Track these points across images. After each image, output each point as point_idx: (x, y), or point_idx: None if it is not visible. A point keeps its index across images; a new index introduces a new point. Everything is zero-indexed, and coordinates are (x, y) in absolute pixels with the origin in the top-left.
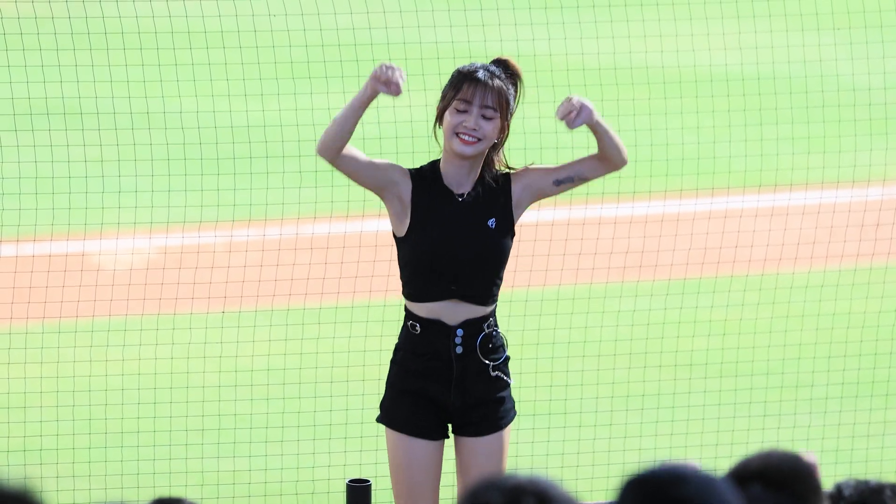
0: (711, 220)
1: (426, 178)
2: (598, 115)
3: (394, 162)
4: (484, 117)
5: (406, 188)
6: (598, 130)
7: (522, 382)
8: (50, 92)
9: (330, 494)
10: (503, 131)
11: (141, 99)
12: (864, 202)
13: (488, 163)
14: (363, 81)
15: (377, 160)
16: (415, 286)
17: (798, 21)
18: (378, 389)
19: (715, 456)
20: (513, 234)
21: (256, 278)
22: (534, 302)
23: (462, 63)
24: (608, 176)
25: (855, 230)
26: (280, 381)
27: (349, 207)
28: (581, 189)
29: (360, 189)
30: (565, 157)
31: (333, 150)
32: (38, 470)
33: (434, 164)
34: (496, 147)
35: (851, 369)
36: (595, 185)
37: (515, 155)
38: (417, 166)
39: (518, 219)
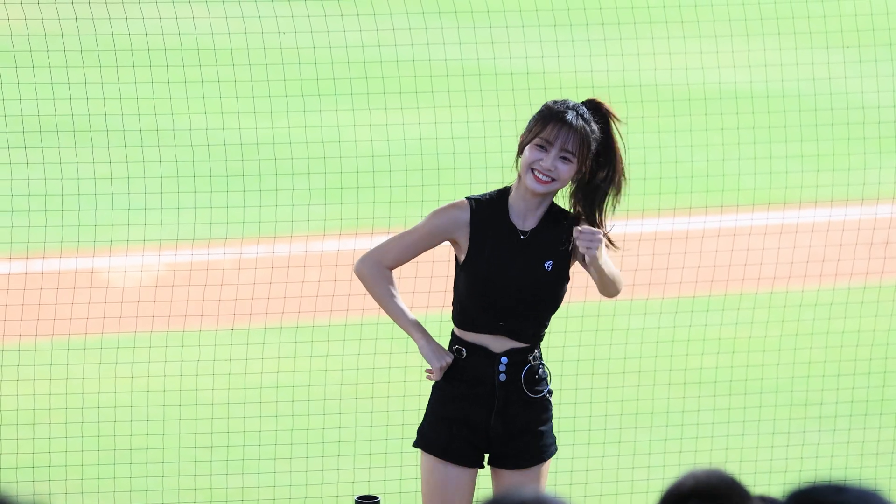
0: (720, 238)
1: (491, 208)
2: (598, 260)
3: (450, 209)
4: (563, 159)
5: (464, 229)
6: (599, 269)
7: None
8: (59, 109)
9: None
10: (578, 174)
11: (150, 116)
12: (874, 220)
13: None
14: (372, 99)
15: (429, 231)
16: (464, 315)
17: (807, 39)
18: (387, 407)
19: None
20: (567, 278)
21: (265, 295)
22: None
23: (470, 80)
24: None
25: (864, 248)
26: (289, 398)
27: (358, 224)
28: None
29: (370, 207)
30: None
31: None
32: (47, 486)
33: (503, 193)
34: (579, 192)
35: (861, 387)
36: None
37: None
38: (485, 193)
39: (572, 264)
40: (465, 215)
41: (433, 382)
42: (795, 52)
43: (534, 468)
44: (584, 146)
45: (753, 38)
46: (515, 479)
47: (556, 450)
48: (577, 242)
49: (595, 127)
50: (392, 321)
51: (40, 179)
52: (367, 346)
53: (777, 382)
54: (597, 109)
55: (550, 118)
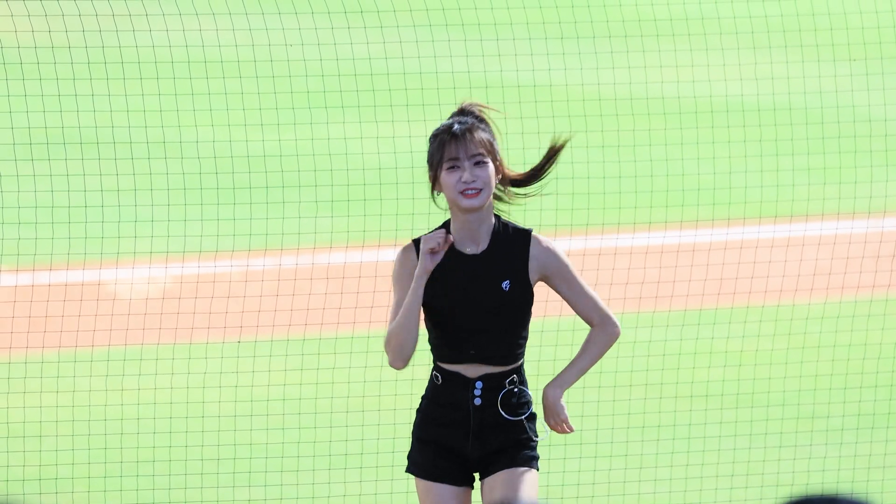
0: (727, 251)
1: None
2: (565, 388)
3: (399, 263)
4: (478, 165)
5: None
6: (580, 375)
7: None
8: (67, 121)
9: None
10: (498, 171)
11: (157, 128)
12: (881, 233)
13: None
14: (379, 111)
15: (403, 292)
16: (437, 350)
17: (814, 52)
18: (394, 419)
19: (730, 486)
20: (531, 295)
21: (272, 308)
22: (549, 332)
23: (477, 93)
24: (623, 206)
25: (871, 261)
26: (296, 411)
27: (365, 237)
28: (596, 219)
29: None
30: (580, 186)
31: (410, 357)
32: (54, 498)
33: (445, 226)
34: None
35: (867, 400)
36: (611, 215)
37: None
38: (428, 233)
39: (536, 280)
40: (415, 256)
41: (416, 407)
42: (802, 65)
43: (516, 469)
44: (485, 143)
45: (760, 51)
46: (498, 479)
47: (537, 467)
48: (550, 425)
49: (482, 124)
50: (411, 318)
51: (47, 191)
52: (374, 359)
53: (784, 395)
54: (471, 114)
55: (443, 140)
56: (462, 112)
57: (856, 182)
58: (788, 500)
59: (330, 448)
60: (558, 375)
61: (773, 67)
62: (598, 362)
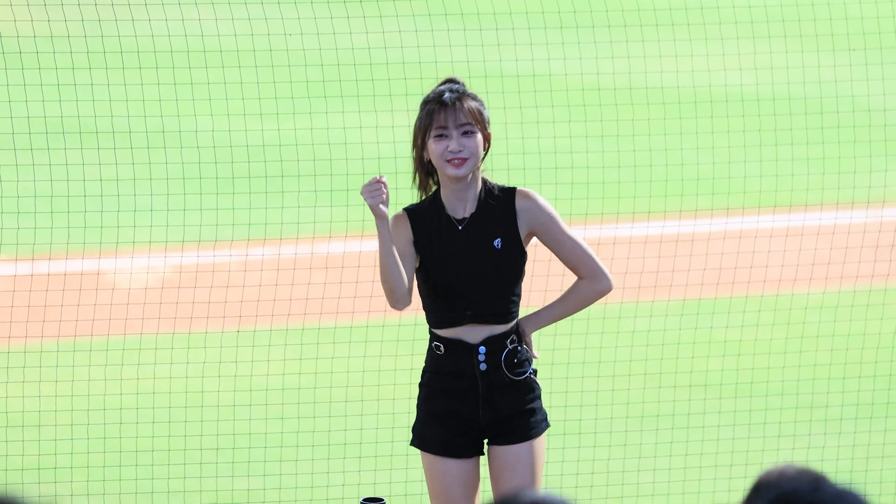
0: (726, 241)
1: (426, 211)
2: (535, 329)
3: (394, 223)
4: (465, 134)
5: (411, 233)
6: (552, 320)
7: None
8: (66, 111)
9: None
10: (487, 142)
11: (156, 118)
12: (880, 223)
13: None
14: (378, 101)
15: (402, 246)
16: (434, 314)
17: (813, 42)
18: (393, 409)
19: (729, 476)
20: (523, 253)
21: (271, 297)
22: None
23: (476, 82)
24: (622, 195)
25: (870, 251)
26: (295, 401)
27: (364, 227)
28: (595, 209)
29: None
30: (580, 176)
31: (405, 297)
32: (53, 488)
33: (435, 195)
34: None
35: (866, 390)
36: (610, 205)
37: (530, 175)
38: (419, 202)
39: (526, 236)
40: (407, 220)
41: (419, 381)
42: (801, 55)
43: (528, 443)
44: (474, 112)
45: (759, 40)
46: (510, 456)
47: (547, 425)
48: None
49: (473, 93)
50: (387, 264)
51: (47, 181)
52: (373, 349)
53: (783, 385)
54: (459, 83)
55: (432, 108)
56: (452, 81)
57: (855, 172)
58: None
59: (329, 437)
60: (532, 314)
61: (773, 57)
62: (598, 350)
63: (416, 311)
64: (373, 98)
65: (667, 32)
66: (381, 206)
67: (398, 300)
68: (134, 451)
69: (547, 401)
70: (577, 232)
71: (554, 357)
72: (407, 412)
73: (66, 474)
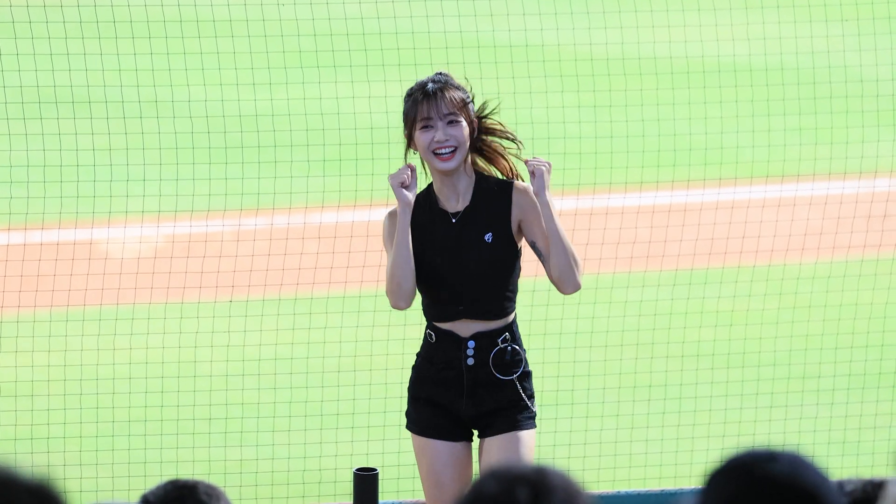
0: (719, 211)
1: (421, 206)
2: (546, 200)
3: (388, 218)
4: (450, 124)
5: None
6: (545, 203)
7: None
8: (59, 80)
9: (337, 483)
10: (472, 129)
11: (149, 87)
12: (872, 193)
13: (492, 160)
14: (371, 71)
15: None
16: (428, 309)
17: (806, 12)
18: (385, 379)
19: (721, 447)
20: (516, 248)
21: (264, 267)
22: (541, 292)
23: (469, 52)
24: (615, 165)
25: (862, 221)
26: (287, 370)
27: (357, 196)
28: (588, 179)
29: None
30: (572, 146)
31: (411, 294)
32: (46, 458)
33: (429, 189)
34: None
35: (858, 361)
36: (603, 175)
37: (524, 145)
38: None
39: (520, 238)
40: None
41: (408, 365)
42: (794, 26)
43: (514, 433)
44: (458, 101)
45: (753, 11)
46: (496, 443)
47: (533, 425)
48: (528, 167)
49: (456, 84)
50: (404, 250)
51: (39, 150)
52: (366, 318)
53: (775, 355)
54: (447, 76)
55: (416, 99)
56: (438, 73)
57: (847, 142)
58: (729, 456)
59: (322, 407)
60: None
61: (766, 28)
62: (591, 321)
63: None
64: (366, 68)
65: (660, 3)
66: (403, 190)
67: (403, 296)
68: (127, 421)
69: (539, 371)
70: (571, 202)
71: (546, 327)
72: (400, 382)
73: (58, 444)
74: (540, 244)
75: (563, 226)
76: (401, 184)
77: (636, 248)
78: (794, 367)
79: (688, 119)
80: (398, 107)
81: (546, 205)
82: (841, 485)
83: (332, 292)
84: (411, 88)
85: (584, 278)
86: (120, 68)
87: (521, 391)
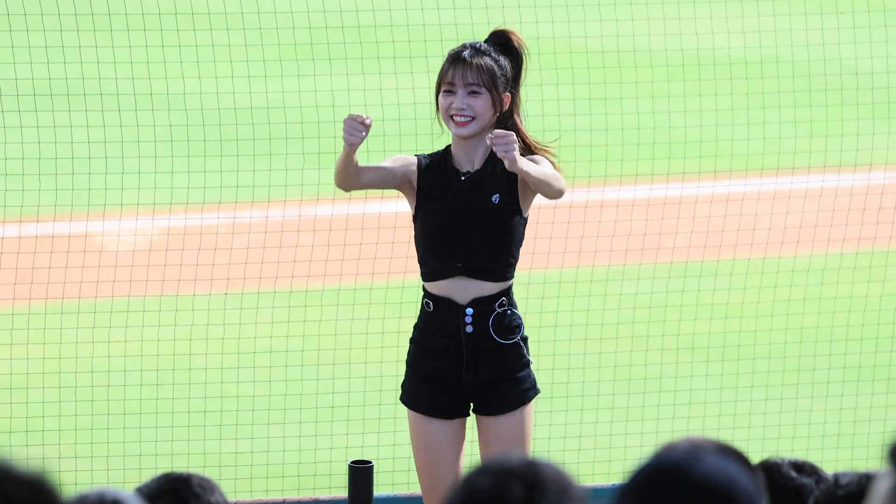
0: (713, 204)
1: (435, 161)
2: (516, 164)
3: (402, 154)
4: (472, 94)
5: (414, 176)
6: (522, 172)
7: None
8: (53, 72)
9: (332, 476)
10: (497, 105)
11: (144, 80)
12: (867, 186)
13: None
14: (366, 63)
15: (390, 162)
16: (425, 264)
17: (801, 4)
18: (380, 372)
19: (716, 439)
20: (521, 214)
21: (259, 260)
22: (536, 285)
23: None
24: (610, 158)
25: (857, 214)
26: (282, 363)
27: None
28: (583, 171)
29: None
30: (567, 139)
31: (348, 184)
32: (41, 450)
33: (447, 148)
34: (504, 120)
35: (853, 353)
36: (597, 167)
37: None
38: (432, 152)
39: (527, 203)
40: (415, 164)
41: (409, 337)
42: (789, 18)
43: (515, 413)
44: (486, 74)
45: (748, 3)
46: (496, 426)
47: (536, 392)
48: (494, 148)
49: (498, 56)
50: (344, 167)
51: (34, 143)
52: (361, 311)
53: (770, 348)
54: (501, 39)
55: (448, 62)
56: (494, 34)
57: (842, 135)
58: (651, 457)
59: (316, 400)
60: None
61: (761, 20)
62: (586, 313)
63: (403, 274)
64: (361, 60)
65: None
66: (354, 145)
67: (344, 184)
68: (122, 414)
69: (535, 363)
70: (566, 195)
71: (541, 320)
72: (394, 375)
73: (53, 437)
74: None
75: (560, 218)
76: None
77: (631, 241)
78: (789, 360)
79: (683, 112)
80: (393, 99)
81: (522, 171)
82: (836, 478)
83: (328, 285)
84: (453, 48)
85: (579, 271)
86: (115, 60)
87: (524, 352)
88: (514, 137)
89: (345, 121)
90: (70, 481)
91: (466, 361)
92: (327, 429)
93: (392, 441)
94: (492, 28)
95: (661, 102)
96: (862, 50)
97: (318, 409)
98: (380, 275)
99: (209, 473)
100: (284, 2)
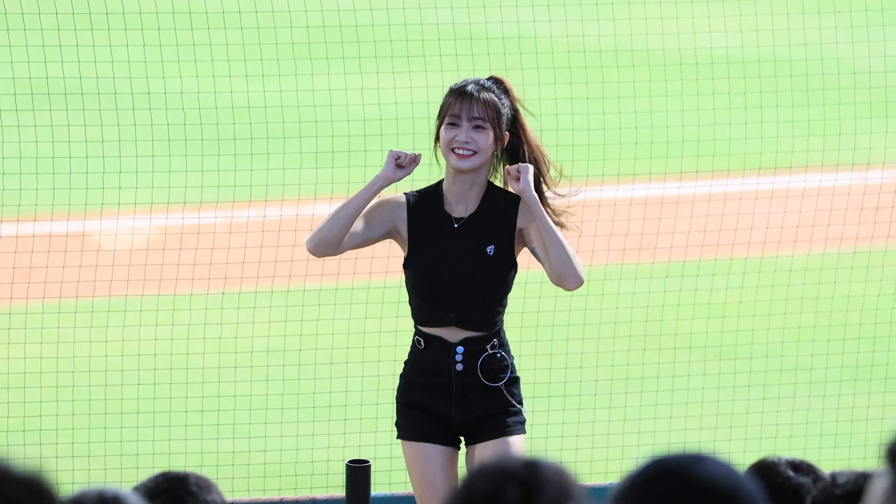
0: (711, 203)
1: (425, 203)
2: (537, 206)
3: (388, 197)
4: (476, 129)
5: (402, 222)
6: (537, 213)
7: (522, 365)
8: (51, 72)
9: (329, 475)
10: (499, 142)
11: (142, 79)
12: (864, 185)
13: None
14: (364, 63)
15: (371, 214)
16: (416, 311)
17: (799, 4)
18: (378, 371)
19: (714, 439)
20: (514, 264)
21: (256, 259)
22: (533, 284)
23: (462, 44)
24: (607, 157)
25: (854, 213)
26: (280, 362)
27: (349, 188)
28: (580, 171)
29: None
30: (565, 138)
31: (332, 246)
32: (38, 450)
33: (438, 186)
34: (500, 160)
35: (851, 352)
36: (595, 167)
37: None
38: (422, 188)
39: (521, 246)
40: (403, 207)
41: (399, 372)
42: (787, 17)
43: (502, 439)
44: (491, 110)
45: (745, 2)
46: (488, 449)
47: (523, 431)
48: (509, 178)
49: (501, 95)
50: (352, 211)
51: (32, 142)
52: (358, 311)
53: (767, 347)
54: (498, 83)
55: (453, 96)
56: (491, 79)
57: (840, 134)
58: (652, 460)
59: (314, 400)
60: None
61: (758, 20)
62: (583, 312)
63: (399, 273)
64: (358, 60)
65: None
66: (394, 165)
67: (328, 245)
68: (119, 413)
69: (531, 363)
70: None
71: (539, 319)
72: (392, 374)
73: (51, 436)
74: (539, 248)
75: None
76: (397, 160)
77: (628, 241)
78: (787, 359)
79: (680, 111)
80: (390, 99)
81: (535, 201)
82: (833, 477)
83: (325, 284)
84: (456, 83)
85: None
86: (112, 60)
87: (508, 397)
88: (529, 166)
89: (394, 155)
90: (67, 480)
91: (456, 399)
92: (324, 428)
93: (389, 440)
94: (489, 27)
95: (659, 102)
96: (859, 49)
97: (316, 409)
98: (377, 274)
99: (206, 472)
100: (282, 1)
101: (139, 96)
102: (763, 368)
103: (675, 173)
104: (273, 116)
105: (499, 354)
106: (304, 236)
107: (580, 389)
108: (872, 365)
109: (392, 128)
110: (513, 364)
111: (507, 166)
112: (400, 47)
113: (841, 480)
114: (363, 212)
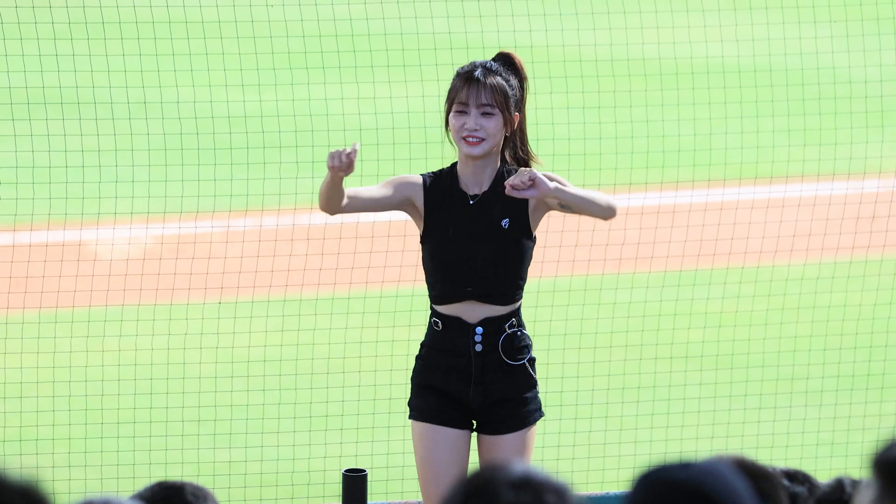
0: (707, 212)
1: (442, 183)
2: (562, 189)
3: (405, 175)
4: (484, 115)
5: (419, 198)
6: (565, 202)
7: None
8: (48, 81)
9: (326, 485)
10: (508, 125)
11: (138, 89)
12: (860, 195)
13: (512, 158)
14: (360, 72)
15: (387, 184)
16: (434, 288)
17: (795, 13)
18: (374, 381)
19: (710, 448)
20: (531, 237)
21: (253, 268)
22: (530, 294)
23: (458, 53)
24: (603, 167)
25: (850, 223)
26: (276, 372)
27: None
28: (576, 181)
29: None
30: (561, 148)
31: (332, 211)
32: (35, 459)
33: (453, 167)
34: (511, 141)
35: (847, 362)
36: (591, 176)
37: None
38: (437, 169)
39: (537, 223)
40: (419, 186)
41: (416, 353)
42: (783, 27)
43: (518, 433)
44: (499, 95)
45: (741, 12)
46: (500, 445)
47: (541, 415)
48: (514, 194)
49: (509, 76)
50: (329, 193)
51: (28, 152)
52: (355, 320)
53: (763, 357)
54: (507, 61)
55: (460, 80)
56: (498, 56)
57: (836, 144)
58: (645, 469)
59: (310, 409)
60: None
61: (754, 29)
62: (580, 322)
63: (397, 283)
64: (354, 69)
65: (648, 4)
66: (338, 175)
67: (328, 208)
68: (116, 423)
69: (540, 387)
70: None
71: (535, 328)
72: (388, 384)
73: (47, 446)
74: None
75: (554, 227)
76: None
77: (625, 250)
78: (783, 369)
79: (676, 120)
80: (387, 108)
81: (561, 191)
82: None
83: (321, 293)
84: (462, 67)
85: (573, 280)
86: (109, 69)
87: (532, 373)
88: (527, 170)
89: (331, 157)
90: (64, 490)
91: (475, 380)
92: (321, 437)
93: (386, 450)
94: (485, 36)
95: (655, 111)
96: (855, 58)
97: (312, 418)
98: (374, 283)
99: (203, 482)
100: (278, 10)
101: (136, 106)
102: (759, 378)
103: (672, 182)
104: (269, 126)
105: (519, 333)
106: (301, 246)
107: (577, 398)
108: (868, 374)
109: (388, 137)
110: (531, 343)
111: (512, 183)
112: (396, 57)
113: (849, 489)
114: (385, 184)
